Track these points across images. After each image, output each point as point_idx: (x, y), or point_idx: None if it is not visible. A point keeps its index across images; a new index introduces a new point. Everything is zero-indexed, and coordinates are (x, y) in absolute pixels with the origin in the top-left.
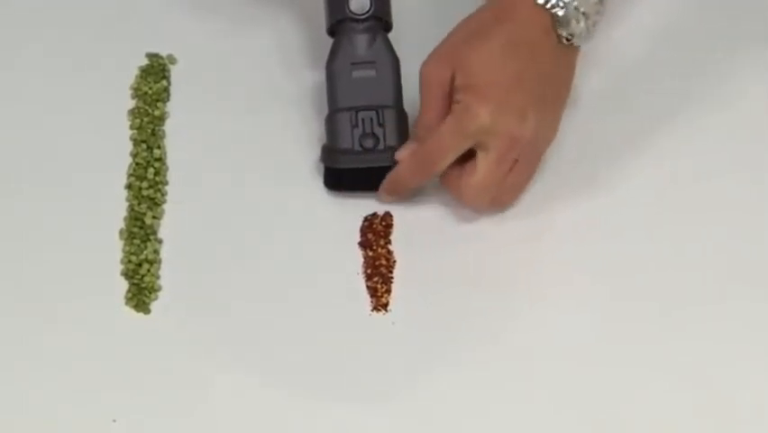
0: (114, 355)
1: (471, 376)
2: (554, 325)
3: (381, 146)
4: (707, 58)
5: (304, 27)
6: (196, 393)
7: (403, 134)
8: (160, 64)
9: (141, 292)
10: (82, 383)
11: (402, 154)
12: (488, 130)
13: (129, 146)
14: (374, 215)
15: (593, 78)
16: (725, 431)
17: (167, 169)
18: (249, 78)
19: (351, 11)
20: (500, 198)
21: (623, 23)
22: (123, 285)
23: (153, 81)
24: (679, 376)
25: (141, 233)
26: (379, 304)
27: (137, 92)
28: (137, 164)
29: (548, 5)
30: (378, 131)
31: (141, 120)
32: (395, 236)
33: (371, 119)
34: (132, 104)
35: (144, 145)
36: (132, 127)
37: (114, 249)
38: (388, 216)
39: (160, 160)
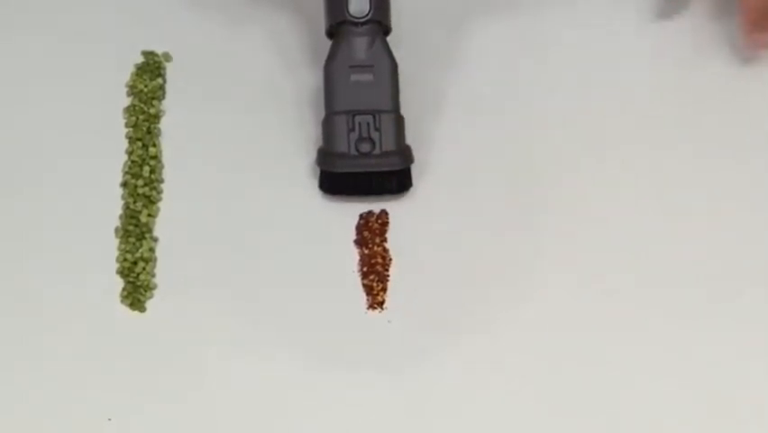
0: (109, 354)
1: (467, 374)
2: (551, 323)
3: (377, 151)
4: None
5: (302, 28)
6: (192, 392)
7: (400, 139)
8: (155, 62)
9: (136, 290)
10: (77, 382)
11: None
12: None
13: (124, 144)
14: (370, 213)
15: (593, 77)
16: (725, 431)
17: (162, 167)
18: (245, 77)
19: (350, 13)
20: None
21: None
22: (118, 283)
23: (149, 79)
24: (679, 376)
25: (136, 231)
26: (375, 302)
27: (133, 90)
28: (132, 162)
29: None
30: (374, 135)
31: (137, 118)
32: (391, 234)
33: (368, 123)
34: (127, 101)
35: (140, 143)
36: (127, 125)
37: (110, 247)
38: (383, 213)
39: (155, 157)
